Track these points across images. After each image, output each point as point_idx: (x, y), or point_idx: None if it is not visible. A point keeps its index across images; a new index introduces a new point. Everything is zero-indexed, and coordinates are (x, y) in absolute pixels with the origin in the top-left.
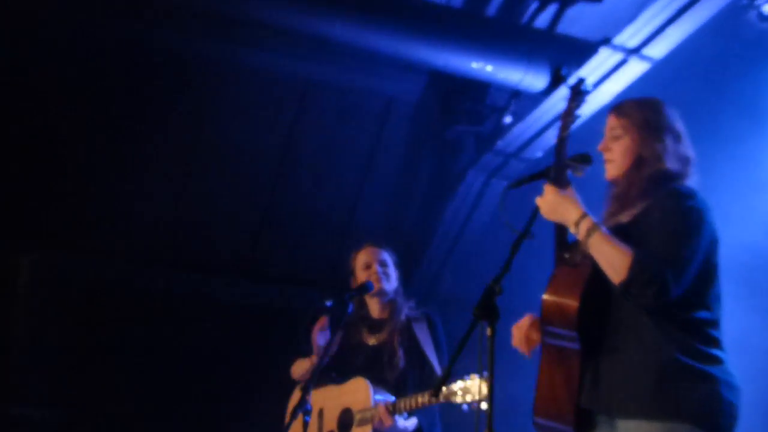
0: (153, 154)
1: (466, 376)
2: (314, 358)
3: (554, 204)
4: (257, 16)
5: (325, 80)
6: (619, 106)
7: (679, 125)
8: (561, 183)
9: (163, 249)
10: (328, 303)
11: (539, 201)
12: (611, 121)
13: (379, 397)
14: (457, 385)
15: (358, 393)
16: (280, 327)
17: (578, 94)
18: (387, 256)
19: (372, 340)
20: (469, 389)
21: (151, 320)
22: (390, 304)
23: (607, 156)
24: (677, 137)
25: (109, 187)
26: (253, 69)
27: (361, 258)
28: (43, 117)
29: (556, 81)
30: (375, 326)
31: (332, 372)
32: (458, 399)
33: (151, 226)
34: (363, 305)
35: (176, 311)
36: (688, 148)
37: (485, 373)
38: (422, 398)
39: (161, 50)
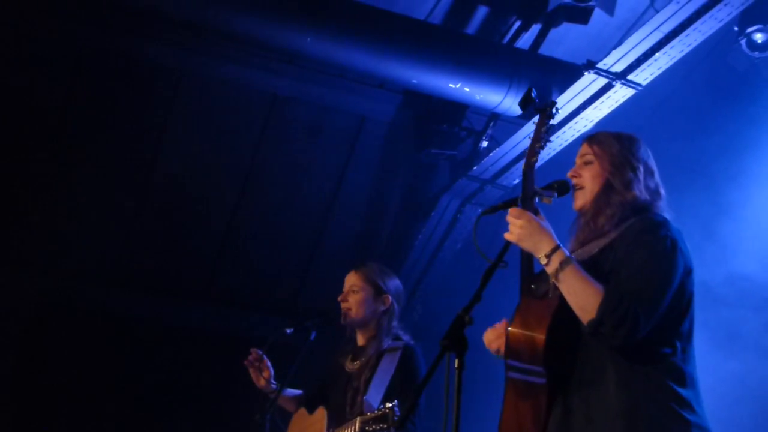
0: (110, 168)
1: (381, 406)
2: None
3: (530, 230)
4: (226, 27)
5: (296, 95)
6: (592, 135)
7: (652, 162)
8: (530, 210)
9: (118, 269)
10: (288, 330)
11: (511, 224)
12: (583, 149)
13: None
14: (370, 415)
15: (318, 424)
16: (241, 354)
17: (547, 117)
18: (361, 282)
19: (350, 367)
20: (380, 419)
21: (105, 343)
22: (367, 331)
23: (576, 182)
24: (649, 172)
25: (62, 204)
26: (221, 80)
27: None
28: None
29: (525, 102)
30: (357, 353)
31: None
32: (369, 428)
33: (105, 246)
34: (353, 329)
35: (131, 335)
36: (659, 185)
37: (396, 402)
38: (347, 429)
39: (123, 58)
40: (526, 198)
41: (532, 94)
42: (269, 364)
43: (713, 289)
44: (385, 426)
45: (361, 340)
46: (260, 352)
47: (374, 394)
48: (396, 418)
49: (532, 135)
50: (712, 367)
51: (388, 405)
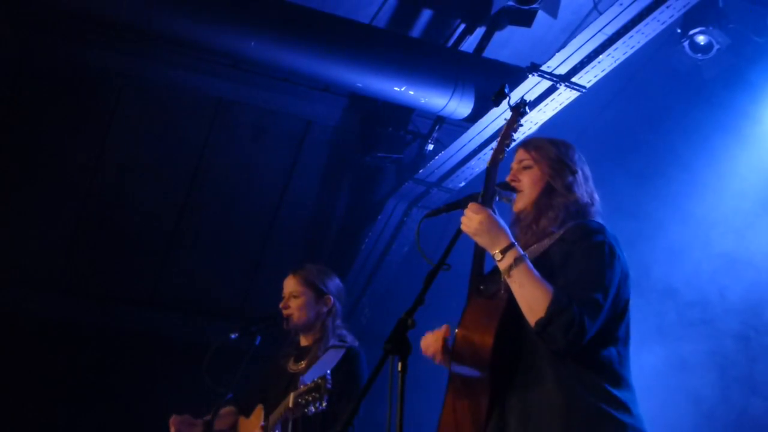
0: (52, 173)
1: (308, 381)
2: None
3: (487, 225)
4: (168, 31)
5: (240, 99)
6: (528, 141)
7: (587, 169)
8: (489, 208)
9: (61, 275)
10: (233, 336)
11: (468, 218)
12: (520, 155)
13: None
14: (303, 388)
15: (255, 420)
16: (186, 359)
17: (519, 114)
18: (300, 286)
19: (294, 368)
20: (312, 389)
21: (48, 350)
22: (311, 333)
23: (515, 185)
24: (585, 177)
25: (2, 210)
26: (164, 84)
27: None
28: None
29: (498, 97)
30: (300, 354)
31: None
32: (302, 400)
33: (48, 252)
34: (296, 332)
35: (76, 341)
36: (593, 191)
37: (329, 372)
38: (282, 407)
39: (65, 63)
40: (486, 195)
41: (506, 90)
42: (188, 418)
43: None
44: (318, 395)
45: (304, 341)
46: (177, 419)
47: (309, 376)
48: (329, 386)
49: (501, 131)
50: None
51: (320, 376)
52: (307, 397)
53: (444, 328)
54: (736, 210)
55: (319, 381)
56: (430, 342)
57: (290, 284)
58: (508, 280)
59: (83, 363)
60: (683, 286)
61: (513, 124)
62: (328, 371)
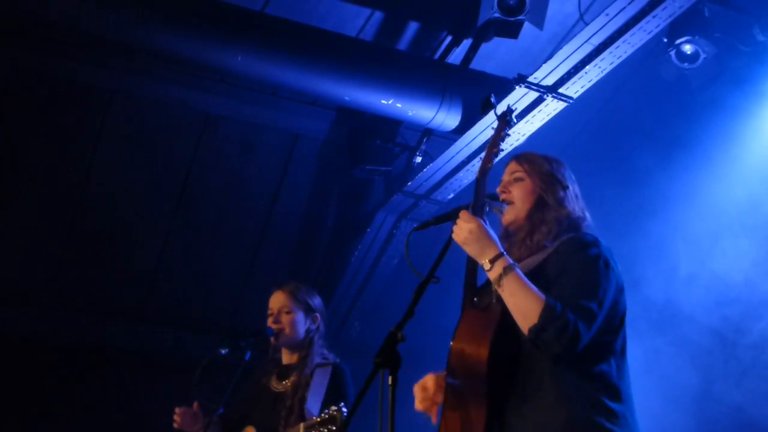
0: (41, 189)
1: (327, 410)
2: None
3: (477, 234)
4: (156, 46)
5: (228, 113)
6: (520, 154)
7: (577, 187)
8: (480, 217)
9: (50, 291)
10: (223, 351)
11: (458, 227)
12: (512, 167)
13: None
14: (315, 420)
15: None
16: (175, 374)
17: (506, 123)
18: (291, 301)
19: (278, 387)
20: (328, 421)
21: (36, 367)
22: (298, 350)
23: (505, 197)
24: (575, 194)
25: None
26: (152, 100)
27: (269, 301)
28: None
29: (485, 107)
30: (283, 372)
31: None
32: None
33: (36, 267)
34: (277, 349)
35: (64, 358)
36: (584, 208)
37: (342, 405)
38: None
39: (54, 79)
40: (477, 205)
41: (492, 100)
42: (194, 409)
43: None
44: (334, 428)
45: (288, 359)
46: (184, 408)
47: (312, 403)
48: (344, 418)
49: (489, 141)
50: None
51: (334, 408)
52: (321, 428)
53: (429, 377)
54: (706, 227)
55: (335, 413)
56: (420, 399)
57: (280, 299)
58: (499, 290)
59: (72, 379)
60: (654, 294)
61: (500, 133)
62: (342, 404)
